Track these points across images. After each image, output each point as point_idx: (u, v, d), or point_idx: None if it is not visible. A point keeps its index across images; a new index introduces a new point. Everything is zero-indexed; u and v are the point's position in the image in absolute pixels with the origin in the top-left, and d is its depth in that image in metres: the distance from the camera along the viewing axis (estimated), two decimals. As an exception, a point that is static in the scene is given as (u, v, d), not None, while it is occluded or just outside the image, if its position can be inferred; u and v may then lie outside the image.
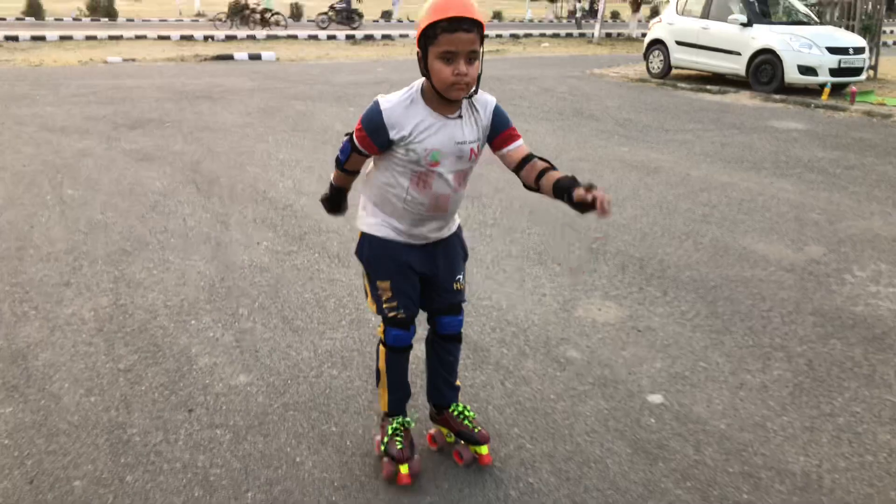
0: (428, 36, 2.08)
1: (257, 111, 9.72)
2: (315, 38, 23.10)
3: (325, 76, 13.73)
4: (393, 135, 2.18)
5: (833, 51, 12.10)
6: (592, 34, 26.09)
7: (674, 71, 14.43)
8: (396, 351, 2.50)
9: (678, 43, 13.94)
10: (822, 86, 12.15)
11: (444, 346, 2.58)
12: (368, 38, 23.42)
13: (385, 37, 23.98)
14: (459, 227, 2.55)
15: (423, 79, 2.21)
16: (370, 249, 2.42)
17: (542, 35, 27.37)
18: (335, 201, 2.63)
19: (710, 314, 3.95)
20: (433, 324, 2.57)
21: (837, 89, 12.28)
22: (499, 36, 26.30)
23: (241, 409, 2.95)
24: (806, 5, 14.75)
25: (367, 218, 2.43)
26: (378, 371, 2.57)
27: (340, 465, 2.62)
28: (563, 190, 2.09)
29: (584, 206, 2.00)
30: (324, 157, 7.19)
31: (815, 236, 5.23)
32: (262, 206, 5.61)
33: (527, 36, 26.88)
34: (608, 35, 27.61)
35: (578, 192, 2.00)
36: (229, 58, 16.34)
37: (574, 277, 4.37)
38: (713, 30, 13.23)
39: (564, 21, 39.82)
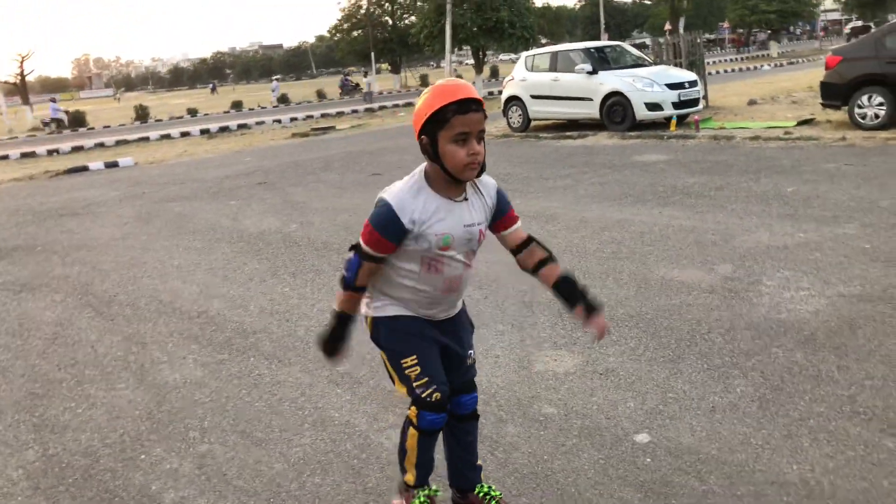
0: (437, 121, 2.09)
1: (133, 220, 9.25)
2: (168, 136, 22.47)
3: (193, 174, 13.33)
4: (407, 225, 2.15)
5: (672, 86, 13.20)
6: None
7: (533, 123, 15.20)
8: (429, 433, 2.41)
9: (533, 97, 14.73)
10: (669, 119, 13.19)
11: (463, 427, 2.52)
12: (224, 129, 23.07)
13: (241, 126, 23.73)
14: (463, 302, 2.52)
15: (425, 165, 2.22)
16: (387, 330, 2.36)
17: (396, 106, 28.06)
18: (338, 336, 2.37)
19: (658, 346, 4.09)
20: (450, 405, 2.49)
21: (681, 120, 13.38)
22: (355, 111, 26.73)
23: (231, 540, 2.71)
24: (637, 47, 16.09)
25: (374, 303, 2.36)
26: (405, 450, 2.47)
27: (361, 576, 2.45)
28: (565, 296, 2.36)
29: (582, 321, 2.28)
30: (223, 256, 6.92)
31: (719, 256, 5.58)
32: (174, 318, 5.29)
33: (381, 108, 27.46)
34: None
35: (578, 313, 2.33)
36: (84, 169, 15.52)
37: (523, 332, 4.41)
38: (563, 81, 14.11)
39: (413, 90, 41.10)
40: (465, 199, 2.24)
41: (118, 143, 21.43)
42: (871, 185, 7.49)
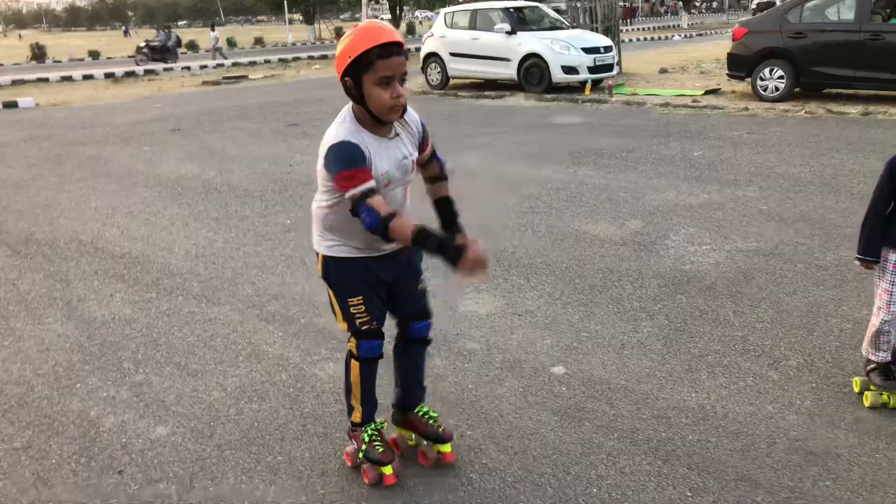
0: (361, 64, 2.16)
1: (43, 162, 8.88)
2: (69, 79, 21.28)
3: (101, 118, 12.79)
4: (367, 154, 2.24)
5: (588, 51, 13.56)
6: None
7: (452, 81, 15.30)
8: (370, 362, 2.57)
9: (452, 55, 14.81)
10: (584, 83, 13.57)
11: (415, 349, 2.70)
12: (130, 74, 22.03)
13: (148, 72, 22.72)
14: None
15: (351, 108, 2.30)
16: (336, 270, 2.47)
17: (311, 57, 27.47)
18: (444, 242, 2.21)
19: (572, 291, 4.38)
20: (404, 329, 2.66)
21: (596, 84, 13.80)
22: (267, 61, 26.01)
23: (174, 459, 2.83)
24: (558, 8, 16.38)
25: (324, 241, 2.47)
26: (349, 385, 2.62)
27: (303, 488, 2.63)
28: (440, 213, 2.54)
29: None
30: (141, 200, 6.80)
31: (630, 212, 5.94)
32: (97, 258, 5.22)
33: (295, 59, 26.83)
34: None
35: (461, 240, 2.26)
36: (-23, 107, 14.60)
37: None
38: (483, 40, 14.24)
39: (327, 42, 40.20)
40: (396, 134, 2.36)
41: (14, 82, 20.15)
42: (770, 153, 8.05)
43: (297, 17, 55.80)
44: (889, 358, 3.05)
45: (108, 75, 21.65)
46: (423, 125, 2.49)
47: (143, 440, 2.96)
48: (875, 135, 8.79)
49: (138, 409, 3.19)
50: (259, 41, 40.52)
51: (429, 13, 47.96)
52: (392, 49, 2.17)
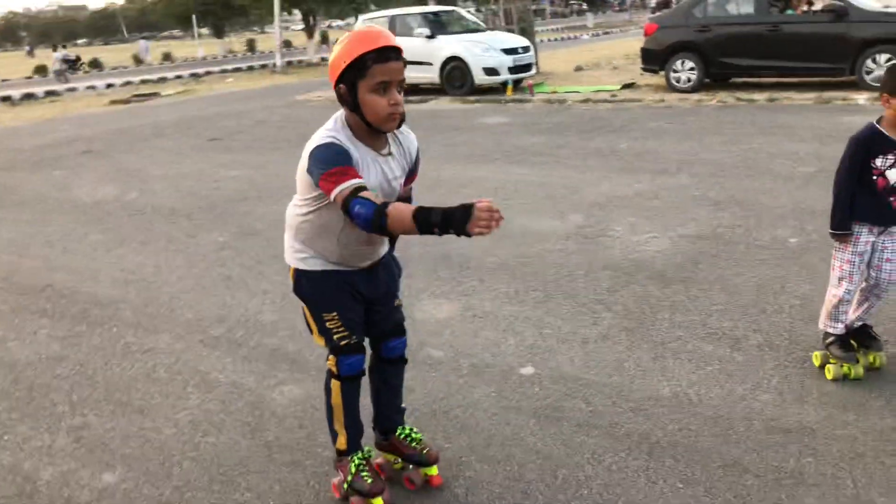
0: (356, 69, 2.02)
1: (-60, 194, 8.24)
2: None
3: (4, 143, 12.03)
4: (355, 159, 2.09)
5: (507, 51, 13.66)
6: (275, 64, 26.14)
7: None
8: (351, 380, 2.41)
9: (372, 61, 14.64)
10: (504, 83, 13.65)
11: (391, 370, 2.54)
12: (29, 96, 20.88)
13: (49, 93, 21.58)
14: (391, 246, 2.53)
15: (343, 114, 2.15)
16: (310, 284, 2.31)
17: (224, 71, 26.76)
18: (451, 214, 1.89)
19: (527, 289, 4.32)
20: (377, 349, 2.51)
21: (516, 85, 13.91)
22: (179, 77, 25.19)
23: (130, 507, 2.59)
24: (470, 12, 16.45)
25: (297, 254, 2.31)
26: (331, 408, 2.45)
27: (279, 523, 2.45)
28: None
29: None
30: (59, 228, 6.38)
31: (569, 207, 5.94)
32: (14, 293, 4.83)
33: (207, 74, 26.07)
34: (289, 63, 27.87)
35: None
36: None
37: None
38: (403, 45, 14.02)
39: (239, 56, 39.33)
40: (390, 153, 2.22)
41: None
42: (692, 141, 8.25)
43: (205, 31, 54.35)
44: (845, 330, 3.10)
45: (5, 98, 20.44)
46: (418, 151, 2.35)
47: (89, 491, 2.69)
48: (782, 119, 9.15)
49: (79, 456, 2.92)
50: (168, 57, 39.29)
51: (340, 22, 47.58)
52: (389, 53, 2.03)
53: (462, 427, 2.95)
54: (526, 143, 8.84)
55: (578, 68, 17.42)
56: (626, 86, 13.32)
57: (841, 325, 3.09)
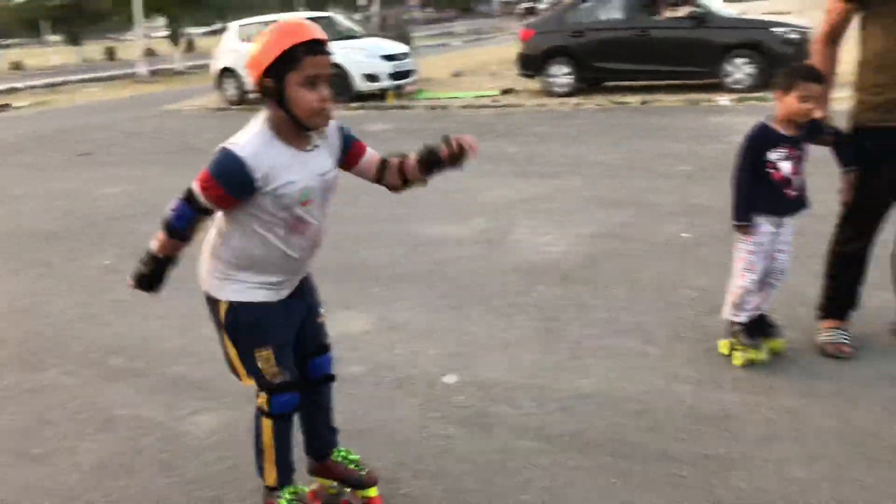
0: (285, 62, 1.91)
1: None
2: None
3: None
4: (258, 181, 1.96)
5: (387, 58, 13.63)
6: (137, 73, 24.85)
7: (250, 95, 14.68)
8: (284, 418, 2.27)
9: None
10: (385, 90, 13.61)
11: (320, 390, 2.43)
12: None
13: None
14: None
15: (267, 115, 2.04)
16: (246, 318, 2.14)
17: (83, 81, 25.14)
18: (157, 275, 2.17)
19: (440, 296, 4.30)
20: (302, 369, 2.38)
21: (397, 91, 13.91)
22: (32, 87, 23.44)
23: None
24: (350, 18, 16.31)
25: (231, 284, 2.14)
26: (262, 448, 2.29)
27: (212, 565, 2.29)
28: (431, 159, 2.22)
29: (455, 158, 2.16)
30: None
31: (470, 212, 5.99)
32: None
33: (65, 83, 24.41)
34: (154, 72, 26.57)
35: (443, 151, 2.18)
36: None
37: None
38: (279, 52, 13.78)
39: (98, 64, 37.10)
40: (316, 146, 2.12)
41: None
42: (577, 144, 8.54)
43: (57, 38, 50.89)
44: (747, 319, 3.27)
45: None
46: (340, 128, 2.24)
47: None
48: (656, 121, 9.66)
49: (-27, 511, 2.63)
50: (17, 66, 36.45)
51: (205, 28, 45.95)
52: (319, 46, 1.95)
53: (390, 443, 2.88)
54: (415, 150, 8.82)
55: (457, 74, 17.65)
56: (507, 91, 13.60)
57: (746, 315, 3.26)
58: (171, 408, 3.25)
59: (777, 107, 3.05)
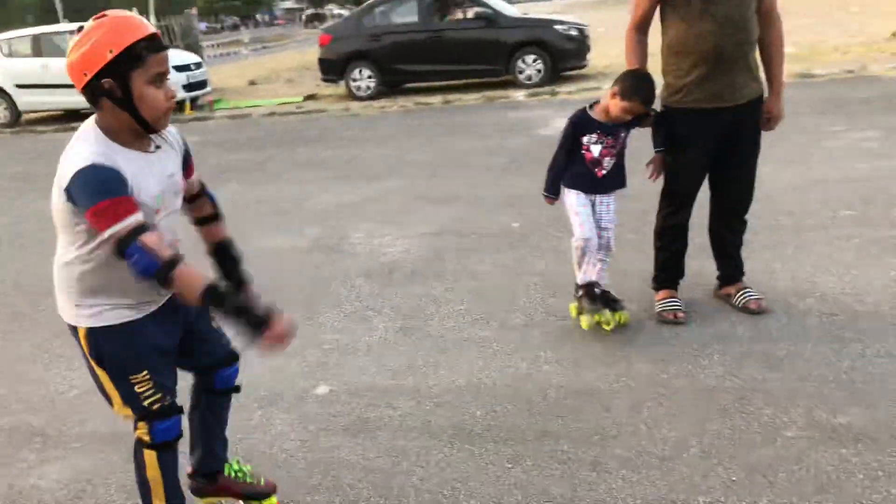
0: (127, 60, 1.74)
1: None
2: None
3: None
4: (127, 178, 1.79)
5: (179, 69, 12.88)
6: None
7: (25, 116, 13.25)
8: (168, 446, 2.07)
9: (20, 86, 12.79)
10: (181, 102, 12.88)
11: (222, 402, 2.29)
12: None
13: None
14: None
15: (94, 121, 1.85)
16: (111, 343, 1.94)
17: None
18: (243, 305, 1.91)
19: (292, 307, 3.88)
20: (206, 380, 2.21)
21: (193, 102, 13.24)
22: None
23: None
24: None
25: (85, 310, 1.92)
26: (145, 483, 2.08)
27: None
28: (220, 261, 2.30)
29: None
30: None
31: (301, 220, 5.86)
32: None
33: None
34: None
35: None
36: None
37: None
38: (54, 67, 12.52)
39: None
40: (158, 146, 1.96)
41: None
42: (390, 146, 8.63)
43: None
44: (591, 279, 3.49)
45: None
46: (182, 138, 2.09)
47: None
48: (460, 119, 10.04)
49: None
50: None
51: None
52: (159, 42, 1.82)
53: (273, 462, 2.76)
54: (227, 161, 8.47)
55: (252, 83, 17.11)
56: (309, 97, 13.45)
57: (586, 276, 3.47)
58: (8, 462, 2.88)
59: (604, 98, 3.32)
